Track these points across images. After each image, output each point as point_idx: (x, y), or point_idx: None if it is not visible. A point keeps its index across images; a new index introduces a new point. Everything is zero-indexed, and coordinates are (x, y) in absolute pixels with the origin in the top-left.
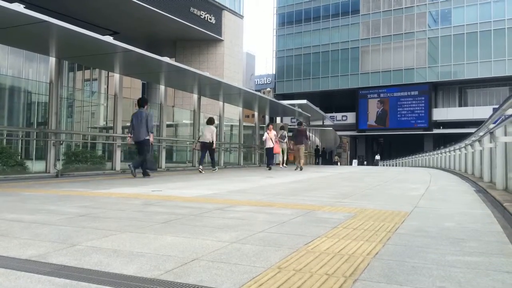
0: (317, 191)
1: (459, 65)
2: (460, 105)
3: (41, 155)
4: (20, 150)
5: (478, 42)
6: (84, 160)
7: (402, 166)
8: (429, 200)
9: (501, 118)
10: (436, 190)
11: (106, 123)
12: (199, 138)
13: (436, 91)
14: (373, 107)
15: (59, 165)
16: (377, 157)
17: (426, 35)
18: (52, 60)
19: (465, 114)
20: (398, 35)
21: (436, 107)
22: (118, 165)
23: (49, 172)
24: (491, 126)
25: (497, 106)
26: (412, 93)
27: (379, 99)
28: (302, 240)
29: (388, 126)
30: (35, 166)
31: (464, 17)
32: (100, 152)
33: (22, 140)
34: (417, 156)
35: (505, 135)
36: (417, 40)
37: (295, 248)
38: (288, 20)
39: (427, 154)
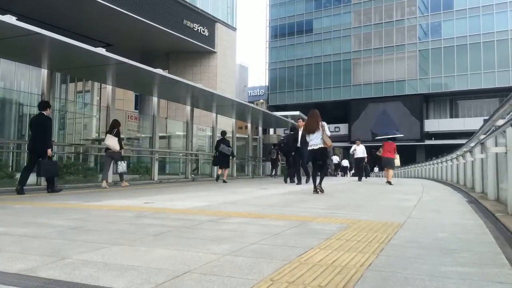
0: (310, 202)
1: (449, 77)
2: (451, 116)
3: None
4: (11, 163)
5: (468, 54)
6: (76, 172)
7: (395, 177)
8: (422, 211)
9: (491, 129)
10: (429, 201)
11: (99, 135)
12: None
13: (427, 102)
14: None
15: None
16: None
17: (417, 47)
18: (44, 72)
19: (456, 125)
20: (389, 48)
21: (427, 118)
22: (110, 177)
23: (40, 185)
24: (482, 137)
25: (487, 117)
26: (404, 105)
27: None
28: (295, 252)
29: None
30: None
31: (454, 29)
32: (92, 164)
33: (13, 152)
34: (409, 167)
35: (496, 145)
36: (408, 52)
37: (288, 259)
38: (280, 32)
39: (419, 165)
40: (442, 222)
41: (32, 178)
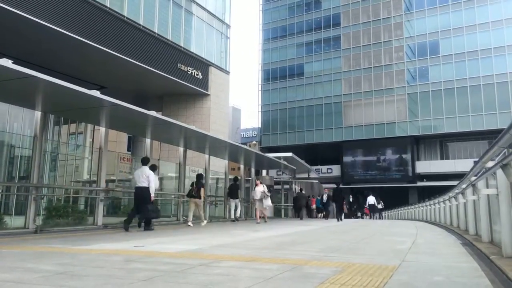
0: (304, 245)
1: (438, 119)
2: (441, 158)
3: (21, 210)
4: None
5: (456, 97)
6: (66, 215)
7: (388, 219)
8: (417, 253)
9: (482, 171)
10: (423, 243)
11: (90, 176)
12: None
13: (418, 144)
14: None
15: (39, 221)
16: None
17: (406, 91)
18: (38, 114)
19: (447, 167)
20: (379, 91)
21: (418, 160)
22: (100, 220)
23: (28, 228)
24: (473, 178)
25: (477, 159)
26: (395, 147)
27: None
28: None
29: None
30: (14, 221)
31: (441, 74)
32: (82, 207)
33: (2, 195)
34: (402, 208)
35: (487, 187)
36: (397, 96)
37: None
38: (273, 75)
39: (412, 206)
40: (437, 265)
41: (20, 221)
